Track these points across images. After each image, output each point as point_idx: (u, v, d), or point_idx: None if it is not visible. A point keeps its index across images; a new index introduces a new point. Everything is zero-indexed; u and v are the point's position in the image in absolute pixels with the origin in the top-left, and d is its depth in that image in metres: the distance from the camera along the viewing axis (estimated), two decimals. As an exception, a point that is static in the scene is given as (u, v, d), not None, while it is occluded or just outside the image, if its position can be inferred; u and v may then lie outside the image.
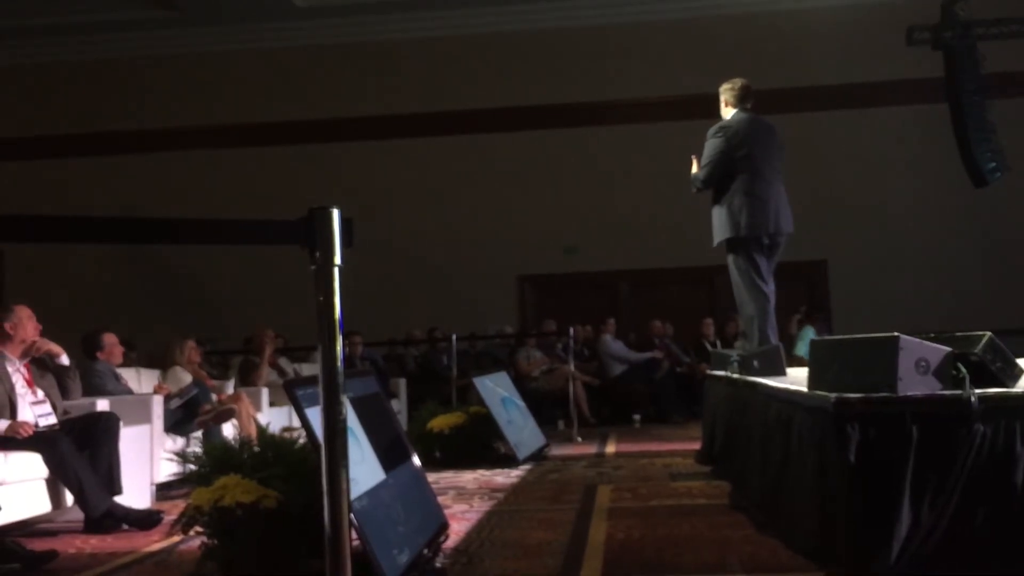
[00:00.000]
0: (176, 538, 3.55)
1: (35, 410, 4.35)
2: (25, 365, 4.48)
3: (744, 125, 4.96)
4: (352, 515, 2.32)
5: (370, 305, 10.18)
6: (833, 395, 2.54)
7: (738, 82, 5.10)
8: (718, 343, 9.86)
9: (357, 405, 3.07)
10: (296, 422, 4.04)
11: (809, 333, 9.39)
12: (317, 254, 1.68)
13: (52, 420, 4.40)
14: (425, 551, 3.05)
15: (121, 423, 4.48)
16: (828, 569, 2.61)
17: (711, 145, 4.96)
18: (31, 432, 4.11)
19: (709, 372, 5.60)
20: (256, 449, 3.25)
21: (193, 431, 5.57)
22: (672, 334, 10.63)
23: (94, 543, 3.92)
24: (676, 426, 8.76)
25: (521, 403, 6.91)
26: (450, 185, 11.94)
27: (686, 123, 9.15)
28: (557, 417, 8.80)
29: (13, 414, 4.23)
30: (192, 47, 12.23)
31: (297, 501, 2.92)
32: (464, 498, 4.62)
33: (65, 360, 4.66)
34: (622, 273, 11.83)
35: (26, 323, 4.46)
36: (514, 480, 5.27)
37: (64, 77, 12.36)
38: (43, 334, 4.58)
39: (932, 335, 2.66)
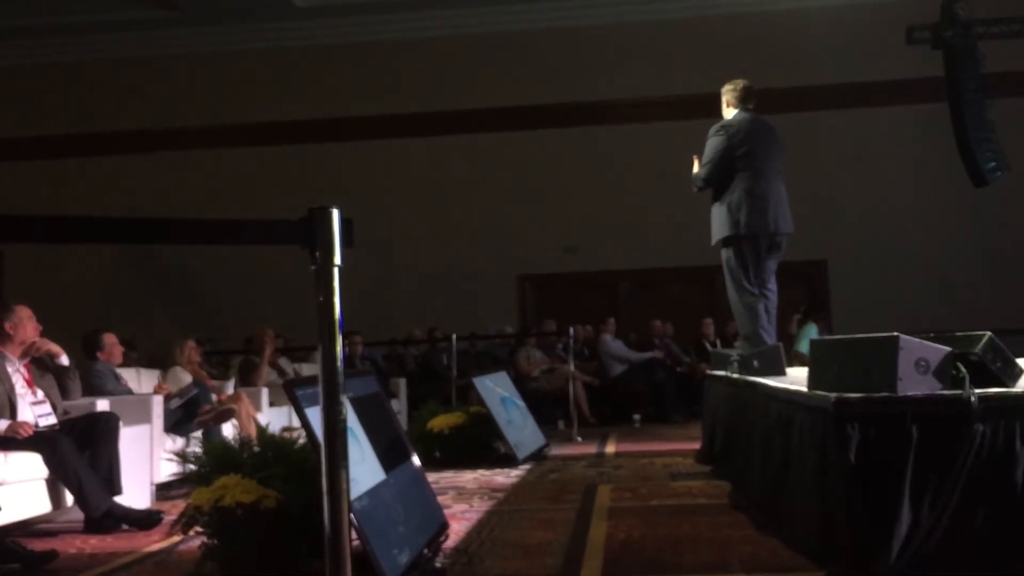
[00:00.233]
0: (176, 538, 3.54)
1: (35, 410, 4.35)
2: (25, 365, 4.48)
3: (745, 124, 4.97)
4: (352, 515, 2.32)
5: (370, 305, 10.19)
6: (833, 395, 2.54)
7: (740, 83, 5.11)
8: (718, 343, 9.86)
9: (357, 405, 3.07)
10: (296, 422, 4.04)
11: (811, 331, 9.39)
12: (317, 254, 1.69)
13: (52, 420, 4.40)
14: (425, 551, 3.05)
15: (121, 423, 4.48)
16: (828, 569, 2.61)
17: (712, 144, 4.97)
18: (31, 432, 4.10)
19: (709, 372, 5.60)
20: (256, 449, 3.25)
21: (193, 431, 5.57)
22: (672, 334, 10.64)
23: (94, 543, 3.92)
24: (676, 426, 8.75)
25: (521, 403, 6.90)
26: (450, 185, 11.95)
27: (686, 123, 9.16)
28: (557, 417, 8.81)
29: (13, 414, 4.23)
30: (192, 47, 12.23)
31: (297, 501, 2.92)
32: (464, 498, 4.62)
33: (65, 360, 4.66)
34: (622, 273, 11.83)
35: (26, 323, 4.46)
36: (514, 480, 5.27)
37: (64, 77, 12.37)
38: (43, 334, 4.58)
39: (932, 335, 2.65)
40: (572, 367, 8.55)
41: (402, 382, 9.37)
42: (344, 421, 1.68)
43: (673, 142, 10.04)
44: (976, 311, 10.09)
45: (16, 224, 1.65)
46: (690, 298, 11.48)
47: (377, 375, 4.26)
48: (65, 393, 4.63)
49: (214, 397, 6.02)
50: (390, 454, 3.25)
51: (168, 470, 5.18)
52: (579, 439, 7.64)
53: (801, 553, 2.84)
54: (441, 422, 6.17)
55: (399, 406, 8.81)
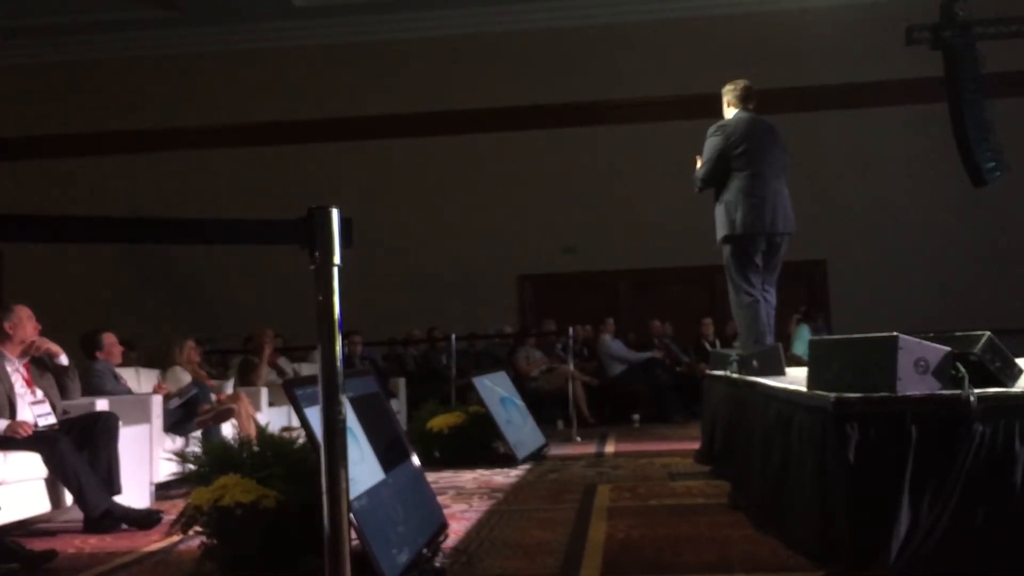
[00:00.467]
0: (175, 538, 3.54)
1: (34, 410, 4.35)
2: (24, 365, 4.48)
3: (743, 124, 4.98)
4: (351, 515, 2.32)
5: (370, 305, 10.19)
6: (832, 395, 2.54)
7: (740, 83, 5.12)
8: (717, 343, 9.86)
9: (356, 405, 3.07)
10: (295, 422, 4.04)
11: (804, 331, 9.40)
12: (316, 254, 1.69)
13: (51, 420, 4.40)
14: (424, 551, 3.05)
15: (120, 423, 4.48)
16: (828, 568, 2.61)
17: (709, 144, 4.99)
18: (30, 432, 4.11)
19: (708, 372, 5.60)
20: (255, 449, 3.25)
21: (192, 431, 5.57)
22: (671, 334, 10.64)
23: (93, 543, 3.92)
24: (675, 426, 8.75)
25: (520, 403, 6.91)
26: (450, 185, 11.95)
27: (686, 123, 9.15)
28: (556, 417, 8.80)
29: (12, 414, 4.23)
30: (192, 47, 12.23)
31: (296, 501, 2.92)
32: (463, 498, 4.62)
33: (64, 360, 4.66)
34: (621, 273, 11.84)
35: (25, 323, 4.46)
36: (513, 480, 5.27)
37: (64, 77, 12.36)
38: (42, 333, 4.58)
39: (931, 335, 2.65)
40: (571, 367, 8.55)
41: (401, 382, 9.37)
42: (343, 421, 1.68)
43: (673, 142, 10.07)
44: (975, 311, 10.09)
45: (16, 224, 1.64)
46: (689, 298, 11.49)
47: (376, 375, 4.26)
48: (64, 393, 4.63)
49: (213, 397, 6.01)
50: (389, 454, 3.25)
51: (167, 470, 5.18)
52: (578, 439, 7.64)
53: (800, 553, 2.84)
54: (440, 422, 6.17)
55: (398, 406, 8.81)
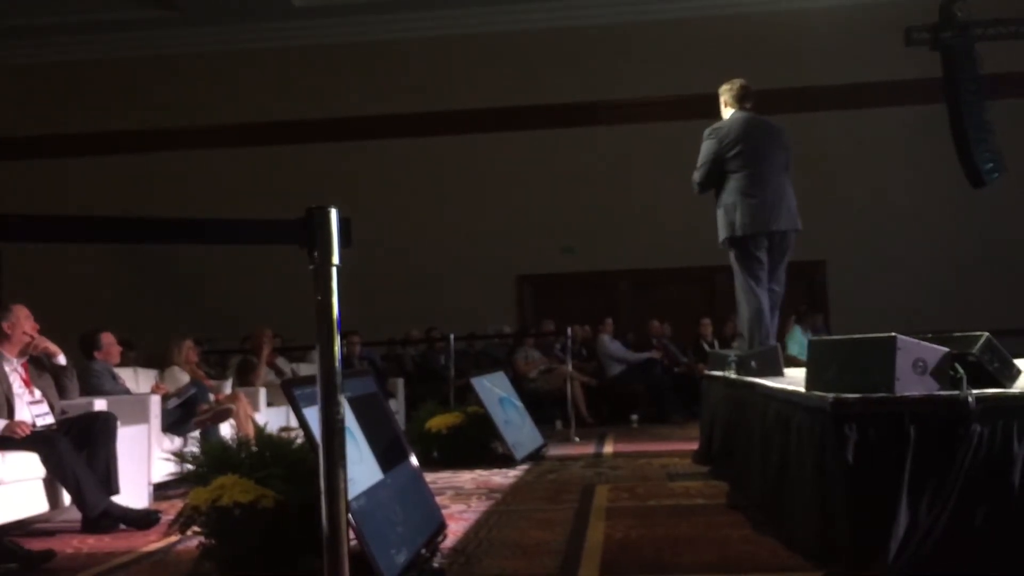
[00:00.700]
0: (174, 538, 3.54)
1: (32, 410, 4.35)
2: (23, 365, 4.48)
3: (737, 125, 4.97)
4: (350, 515, 2.32)
5: (368, 305, 10.18)
6: (831, 395, 2.55)
7: (737, 82, 5.12)
8: (716, 343, 9.87)
9: (355, 405, 3.07)
10: (294, 422, 4.04)
11: (797, 333, 9.41)
12: (315, 254, 1.68)
13: (49, 420, 4.40)
14: (423, 551, 3.05)
15: (119, 423, 4.48)
16: (827, 569, 2.61)
17: (704, 147, 5.00)
18: (28, 432, 4.10)
19: (707, 372, 5.60)
20: (254, 449, 3.25)
21: (191, 431, 5.57)
22: (670, 334, 10.64)
23: (92, 543, 3.92)
24: (674, 426, 8.76)
25: (519, 403, 6.91)
26: (449, 185, 11.95)
27: (685, 123, 9.14)
28: (555, 417, 8.80)
29: (10, 414, 4.23)
30: (192, 47, 12.22)
31: (295, 501, 2.92)
32: (462, 498, 4.62)
33: (62, 360, 4.66)
34: (620, 273, 11.84)
35: (24, 322, 4.46)
36: (512, 480, 5.27)
37: (64, 77, 12.36)
38: (41, 333, 4.57)
39: (930, 335, 2.66)
40: (570, 367, 8.55)
41: (400, 382, 9.38)
42: (342, 421, 1.68)
43: (672, 142, 10.07)
44: (974, 312, 10.10)
45: (16, 224, 1.64)
46: (688, 298, 11.49)
47: (375, 375, 4.26)
48: (63, 393, 4.63)
49: (212, 397, 6.01)
50: (388, 454, 3.25)
51: (166, 470, 5.18)
52: (577, 439, 7.64)
53: (799, 553, 2.84)
54: (439, 422, 6.17)
55: (397, 406, 8.81)
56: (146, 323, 10.40)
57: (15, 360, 4.44)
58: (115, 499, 4.23)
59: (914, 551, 2.38)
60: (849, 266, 11.33)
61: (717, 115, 5.17)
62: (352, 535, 2.34)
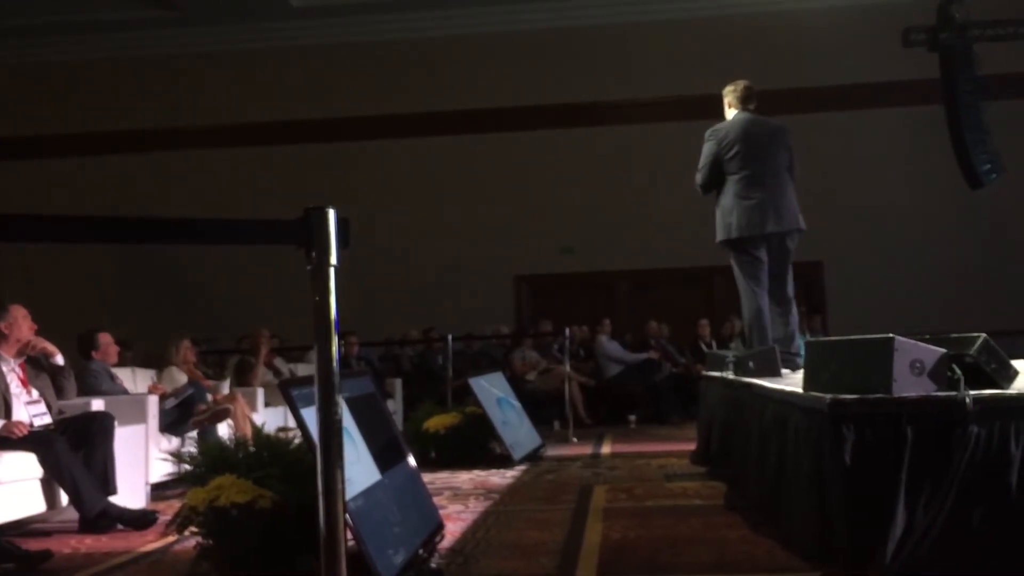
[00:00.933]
0: (171, 538, 3.55)
1: (30, 410, 4.34)
2: (20, 365, 4.48)
3: (736, 126, 4.97)
4: (347, 515, 2.32)
5: (366, 305, 10.18)
6: (828, 396, 2.55)
7: (740, 84, 5.11)
8: (714, 344, 9.87)
9: (353, 405, 3.07)
10: (291, 422, 4.04)
11: None
12: (313, 254, 1.68)
13: (47, 420, 4.39)
14: (421, 551, 3.05)
15: (116, 423, 4.48)
16: (824, 569, 2.61)
17: (704, 149, 5.01)
18: (26, 432, 4.10)
19: (705, 373, 5.61)
20: (251, 449, 3.25)
21: (188, 431, 5.56)
22: (668, 335, 10.65)
23: (89, 543, 3.91)
24: (672, 427, 8.75)
25: (517, 403, 6.91)
26: (448, 185, 11.95)
27: (685, 123, 9.16)
28: (553, 417, 8.80)
29: (8, 414, 4.22)
30: (192, 47, 12.22)
31: (292, 501, 2.92)
32: (460, 498, 4.62)
33: (60, 360, 4.66)
34: (618, 273, 11.84)
35: (21, 322, 4.46)
36: (510, 480, 5.27)
37: (64, 77, 12.35)
38: (39, 333, 4.57)
39: (927, 336, 2.66)
40: (568, 368, 8.55)
41: (398, 382, 9.36)
42: (340, 421, 1.68)
43: (672, 143, 10.08)
44: (971, 313, 10.11)
45: (16, 224, 1.64)
46: (686, 299, 11.49)
47: (373, 375, 4.26)
48: (60, 393, 4.63)
49: (209, 397, 6.01)
50: (386, 454, 3.25)
51: (163, 470, 5.18)
52: (575, 440, 7.64)
53: (797, 554, 2.85)
54: (437, 422, 6.16)
55: (395, 406, 8.80)
56: (144, 323, 10.40)
57: (13, 360, 4.43)
58: (113, 499, 4.22)
59: (911, 552, 2.39)
60: (846, 267, 11.34)
61: (718, 115, 5.18)
62: (350, 535, 2.34)
